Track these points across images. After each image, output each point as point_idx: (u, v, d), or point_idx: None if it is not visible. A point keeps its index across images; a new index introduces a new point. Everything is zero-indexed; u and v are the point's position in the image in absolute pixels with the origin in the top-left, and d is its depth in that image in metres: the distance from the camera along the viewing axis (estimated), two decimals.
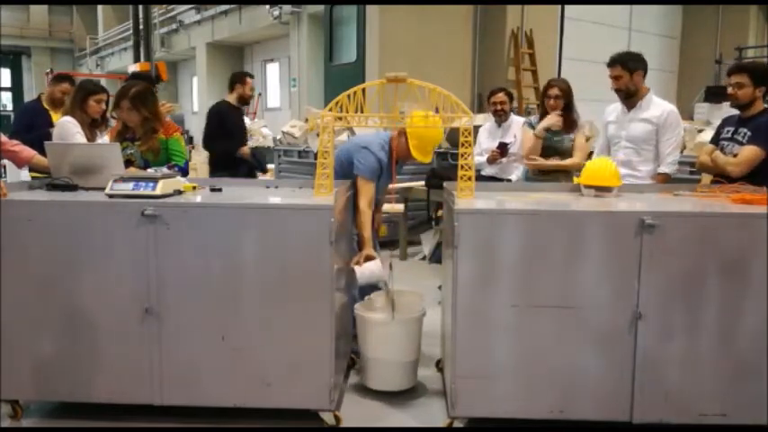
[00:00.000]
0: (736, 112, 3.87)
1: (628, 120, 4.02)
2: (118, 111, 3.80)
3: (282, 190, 3.63)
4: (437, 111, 3.23)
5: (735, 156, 3.66)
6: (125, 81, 4.80)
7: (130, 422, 3.04)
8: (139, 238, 2.84)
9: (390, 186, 4.03)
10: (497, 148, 5.09)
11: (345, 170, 3.66)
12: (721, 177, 3.62)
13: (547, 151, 4.37)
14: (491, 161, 5.13)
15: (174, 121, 4.41)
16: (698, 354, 2.77)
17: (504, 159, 5.11)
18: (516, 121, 5.29)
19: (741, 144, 3.66)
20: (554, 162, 4.33)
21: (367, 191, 3.59)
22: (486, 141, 5.30)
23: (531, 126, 4.47)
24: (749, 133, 3.64)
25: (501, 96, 5.23)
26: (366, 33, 10.12)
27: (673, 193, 3.49)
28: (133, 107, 3.73)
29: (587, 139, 5.22)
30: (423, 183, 6.43)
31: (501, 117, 5.25)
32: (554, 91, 4.34)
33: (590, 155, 4.58)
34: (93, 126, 4.14)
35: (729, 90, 3.74)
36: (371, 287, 3.84)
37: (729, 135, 3.78)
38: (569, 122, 4.37)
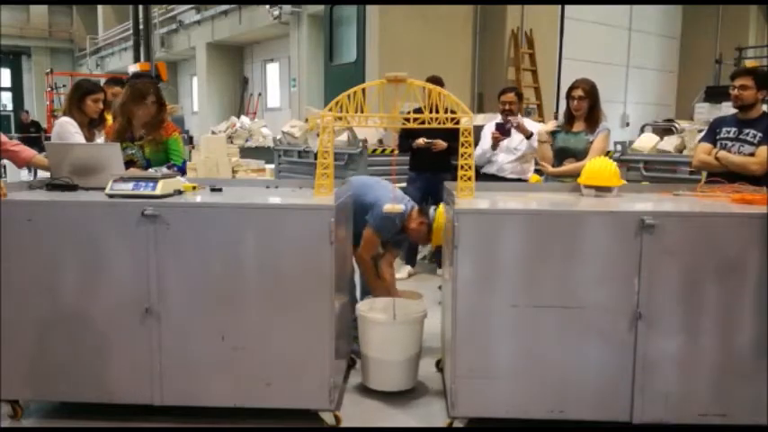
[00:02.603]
0: (725, 113, 4.02)
1: None
2: (140, 107, 3.81)
3: (282, 190, 3.63)
4: (437, 110, 3.22)
5: (747, 155, 3.84)
6: (127, 80, 4.78)
7: (130, 422, 3.03)
8: (139, 238, 2.84)
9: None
10: (496, 129, 5.01)
11: (356, 208, 3.67)
12: (721, 175, 3.68)
13: (563, 153, 4.28)
14: (495, 143, 5.05)
15: (174, 121, 4.42)
16: (698, 354, 2.77)
17: (506, 139, 5.02)
18: (524, 120, 5.25)
19: (752, 144, 3.85)
20: (566, 167, 4.25)
21: (371, 243, 3.66)
22: (489, 141, 5.24)
23: (554, 135, 4.38)
24: (760, 134, 3.85)
25: (511, 96, 5.18)
26: (366, 33, 10.12)
27: (673, 193, 3.49)
28: (157, 100, 3.82)
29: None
30: None
31: (509, 117, 5.21)
32: (578, 92, 4.24)
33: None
34: (91, 126, 4.15)
35: (734, 92, 3.92)
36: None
37: (733, 135, 3.94)
38: (592, 122, 4.27)
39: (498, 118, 5.30)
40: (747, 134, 3.88)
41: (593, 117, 4.28)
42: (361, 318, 3.40)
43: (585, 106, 4.25)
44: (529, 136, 5.01)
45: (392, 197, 3.57)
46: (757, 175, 3.74)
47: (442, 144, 5.43)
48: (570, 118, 4.37)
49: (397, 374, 3.36)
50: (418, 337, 3.41)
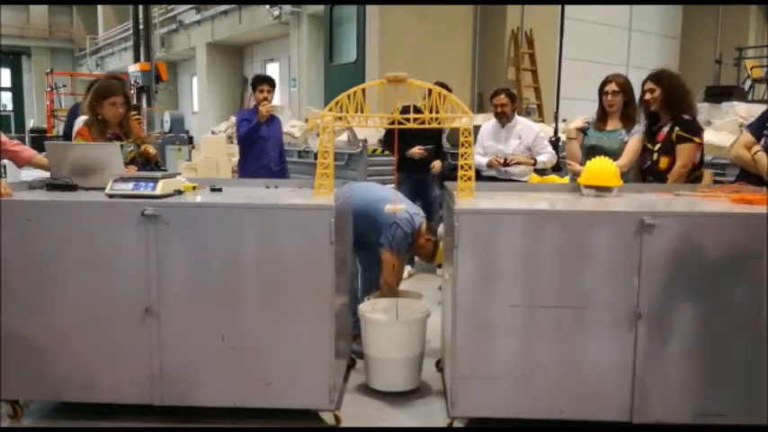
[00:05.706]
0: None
1: None
2: (109, 108, 3.79)
3: (282, 190, 3.63)
4: (437, 111, 3.22)
5: None
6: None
7: (130, 422, 3.03)
8: (139, 238, 2.84)
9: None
10: (503, 162, 4.98)
11: (361, 225, 3.63)
12: (750, 177, 3.41)
13: (594, 151, 4.01)
14: (491, 165, 5.05)
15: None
16: (698, 354, 2.77)
17: (504, 168, 5.02)
18: (521, 122, 5.19)
19: None
20: None
21: (393, 265, 3.61)
22: (488, 141, 5.21)
23: (585, 133, 4.21)
24: None
25: (502, 99, 5.04)
26: (366, 33, 10.14)
27: (673, 193, 3.49)
28: (126, 101, 3.80)
29: None
30: None
31: (502, 119, 5.17)
32: (611, 86, 4.02)
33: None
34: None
35: None
36: (372, 286, 3.85)
37: None
38: (627, 120, 4.06)
39: (494, 120, 5.23)
40: None
41: (628, 114, 4.05)
42: (364, 318, 3.40)
43: (620, 101, 4.03)
44: (534, 164, 5.03)
45: (409, 221, 3.63)
46: None
47: (422, 153, 5.59)
48: (603, 115, 4.15)
49: (401, 375, 3.36)
50: (421, 337, 3.40)
